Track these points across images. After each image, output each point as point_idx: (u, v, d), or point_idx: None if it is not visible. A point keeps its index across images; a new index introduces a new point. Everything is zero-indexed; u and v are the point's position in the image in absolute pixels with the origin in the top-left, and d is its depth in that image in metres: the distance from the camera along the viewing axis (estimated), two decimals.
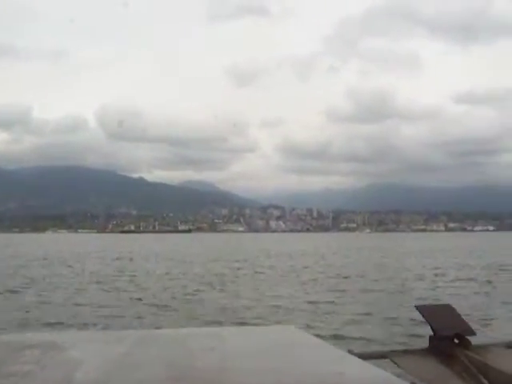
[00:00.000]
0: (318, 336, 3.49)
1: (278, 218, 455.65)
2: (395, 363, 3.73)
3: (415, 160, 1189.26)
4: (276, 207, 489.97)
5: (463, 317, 4.04)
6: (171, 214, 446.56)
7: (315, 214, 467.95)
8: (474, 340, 3.83)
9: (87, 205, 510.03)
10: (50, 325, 19.19)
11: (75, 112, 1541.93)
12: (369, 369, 2.74)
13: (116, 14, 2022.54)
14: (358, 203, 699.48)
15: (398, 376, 2.59)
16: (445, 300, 21.30)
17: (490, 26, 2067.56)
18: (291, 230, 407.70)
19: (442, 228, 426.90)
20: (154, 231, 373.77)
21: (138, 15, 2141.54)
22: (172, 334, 3.72)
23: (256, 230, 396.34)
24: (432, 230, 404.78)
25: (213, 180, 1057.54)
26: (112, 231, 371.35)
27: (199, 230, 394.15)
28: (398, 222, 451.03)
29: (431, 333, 3.98)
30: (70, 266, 49.27)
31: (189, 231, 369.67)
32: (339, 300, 26.76)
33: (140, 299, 26.78)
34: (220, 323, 18.62)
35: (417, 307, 4.14)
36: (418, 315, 4.17)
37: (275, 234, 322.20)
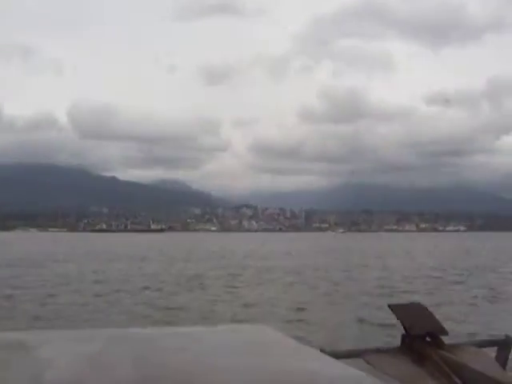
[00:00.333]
0: (290, 335, 3.40)
1: (251, 218, 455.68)
2: (368, 362, 3.75)
3: (387, 160, 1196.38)
4: (249, 207, 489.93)
5: (436, 316, 4.04)
6: (143, 214, 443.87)
7: (288, 214, 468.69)
8: (446, 339, 3.84)
9: (58, 203, 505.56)
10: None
11: (46, 110, 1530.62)
12: (342, 368, 2.71)
13: (87, 11, 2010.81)
14: (331, 203, 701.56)
15: (371, 375, 2.57)
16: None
17: (462, 29, 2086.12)
18: (264, 230, 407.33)
19: (414, 228, 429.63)
20: (126, 230, 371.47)
21: (108, 12, 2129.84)
22: (144, 333, 3.62)
23: (229, 230, 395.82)
24: (404, 230, 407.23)
25: (185, 179, 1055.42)
26: (84, 230, 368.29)
27: (172, 229, 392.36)
28: (370, 222, 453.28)
29: (404, 332, 3.97)
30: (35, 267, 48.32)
31: (161, 230, 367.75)
32: (313, 299, 26.51)
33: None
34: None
35: (389, 306, 4.11)
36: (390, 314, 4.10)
37: (248, 234, 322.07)
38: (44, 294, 28.45)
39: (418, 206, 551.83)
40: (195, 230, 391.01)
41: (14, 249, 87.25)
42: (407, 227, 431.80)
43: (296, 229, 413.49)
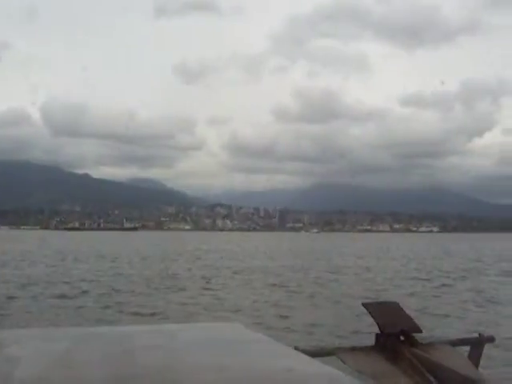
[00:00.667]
0: (264, 333, 3.38)
1: (225, 217, 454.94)
2: (342, 360, 3.75)
3: (362, 161, 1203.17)
4: (223, 206, 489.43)
5: (410, 314, 4.04)
6: (117, 212, 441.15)
7: (262, 213, 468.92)
8: (419, 337, 3.85)
9: (30, 201, 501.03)
10: None
11: (18, 106, 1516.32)
12: (316, 365, 2.71)
13: (62, 7, 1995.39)
14: (305, 203, 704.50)
15: (345, 372, 2.57)
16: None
17: (436, 31, 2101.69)
18: (238, 229, 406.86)
19: (388, 228, 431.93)
20: (100, 229, 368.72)
21: (85, 8, 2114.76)
22: (115, 331, 3.58)
23: (203, 229, 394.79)
24: (377, 231, 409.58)
25: (160, 177, 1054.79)
26: (56, 228, 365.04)
27: (145, 227, 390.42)
28: (344, 222, 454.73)
29: (378, 330, 3.98)
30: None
31: (135, 229, 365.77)
32: (286, 299, 26.23)
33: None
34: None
35: (364, 305, 4.15)
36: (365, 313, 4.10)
37: (222, 233, 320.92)
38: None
39: (391, 207, 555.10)
40: (169, 229, 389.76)
41: None
42: (381, 227, 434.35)
43: (270, 228, 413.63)
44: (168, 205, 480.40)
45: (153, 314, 21.68)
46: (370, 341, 3.84)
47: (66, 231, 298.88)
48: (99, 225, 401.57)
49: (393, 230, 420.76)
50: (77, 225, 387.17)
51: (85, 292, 28.94)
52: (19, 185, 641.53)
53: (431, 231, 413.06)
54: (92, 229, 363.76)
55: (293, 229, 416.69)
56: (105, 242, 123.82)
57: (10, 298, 26.38)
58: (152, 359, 2.65)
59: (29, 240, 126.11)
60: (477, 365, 4.00)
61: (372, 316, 3.97)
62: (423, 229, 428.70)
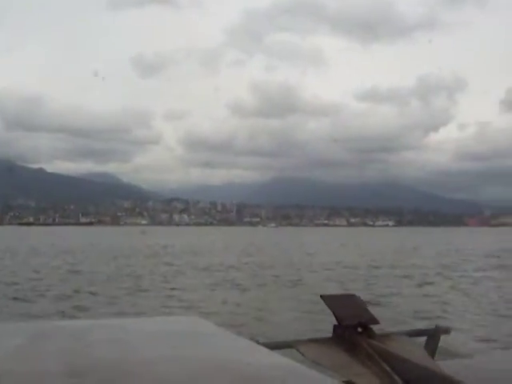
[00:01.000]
0: (224, 326, 3.38)
1: (182, 211, 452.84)
2: (300, 352, 3.75)
3: (319, 155, 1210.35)
4: (180, 200, 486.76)
5: (367, 306, 4.05)
6: (72, 207, 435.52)
7: (219, 208, 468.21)
8: (377, 329, 3.87)
9: None
10: None
11: None
12: (275, 357, 2.71)
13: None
14: (262, 197, 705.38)
15: (303, 364, 2.57)
16: None
17: (392, 26, 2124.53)
18: (195, 224, 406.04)
19: (345, 223, 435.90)
20: (55, 224, 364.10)
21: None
22: (71, 326, 3.49)
23: (159, 224, 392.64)
24: (334, 225, 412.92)
25: (116, 172, 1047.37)
26: (10, 223, 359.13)
27: (101, 222, 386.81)
28: (301, 217, 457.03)
29: (336, 322, 3.97)
30: None
31: (90, 224, 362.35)
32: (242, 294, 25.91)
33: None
34: None
35: (322, 297, 4.10)
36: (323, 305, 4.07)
37: (179, 228, 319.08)
38: None
39: (348, 201, 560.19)
40: (125, 224, 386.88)
41: None
42: (337, 222, 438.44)
43: (227, 223, 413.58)
44: (124, 199, 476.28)
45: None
46: (329, 333, 3.88)
47: (20, 226, 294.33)
48: (54, 220, 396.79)
49: (349, 224, 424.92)
50: (31, 220, 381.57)
51: (39, 292, 27.11)
52: None
53: (387, 225, 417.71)
54: (47, 224, 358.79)
55: (250, 223, 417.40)
56: (60, 237, 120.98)
57: None
58: (108, 353, 2.62)
59: None
60: (433, 355, 4.05)
61: (330, 308, 3.99)
62: (379, 223, 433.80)
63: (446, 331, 4.46)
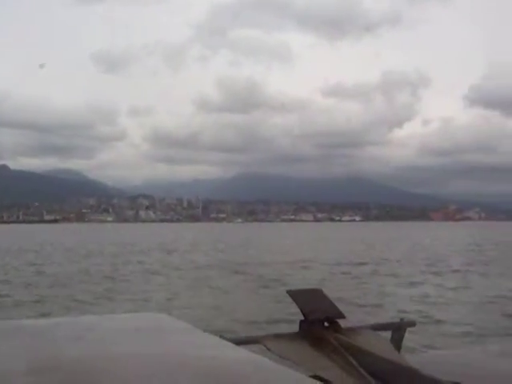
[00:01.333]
0: (189, 323, 3.40)
1: (148, 208, 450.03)
2: (267, 347, 3.72)
3: (284, 151, 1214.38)
4: (145, 197, 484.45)
5: (333, 301, 4.01)
6: (36, 204, 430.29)
7: (185, 204, 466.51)
8: (343, 323, 3.86)
9: None
10: None
11: None
12: (241, 352, 2.74)
13: None
14: (228, 193, 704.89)
15: (270, 359, 2.59)
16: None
17: (357, 23, 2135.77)
18: (161, 220, 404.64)
19: (311, 218, 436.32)
20: (19, 221, 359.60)
21: None
22: (35, 325, 3.45)
23: (125, 220, 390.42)
24: (301, 220, 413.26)
25: (80, 168, 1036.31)
26: None
27: (66, 220, 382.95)
28: (267, 212, 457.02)
29: (302, 317, 3.95)
30: None
31: (55, 221, 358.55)
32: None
33: None
34: None
35: (288, 292, 4.08)
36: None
37: (145, 224, 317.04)
38: None
39: (314, 197, 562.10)
40: (90, 221, 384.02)
41: None
42: (304, 217, 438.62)
43: (193, 219, 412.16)
44: (89, 196, 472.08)
45: None
46: (295, 328, 3.85)
47: None
48: (18, 217, 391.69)
49: (316, 220, 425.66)
50: None
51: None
52: None
53: (354, 220, 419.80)
54: (11, 222, 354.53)
55: (216, 219, 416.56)
56: (24, 235, 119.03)
57: None
58: (75, 351, 2.61)
59: None
60: (398, 349, 4.05)
61: (296, 303, 3.99)
62: (346, 218, 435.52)
63: (411, 324, 4.50)
